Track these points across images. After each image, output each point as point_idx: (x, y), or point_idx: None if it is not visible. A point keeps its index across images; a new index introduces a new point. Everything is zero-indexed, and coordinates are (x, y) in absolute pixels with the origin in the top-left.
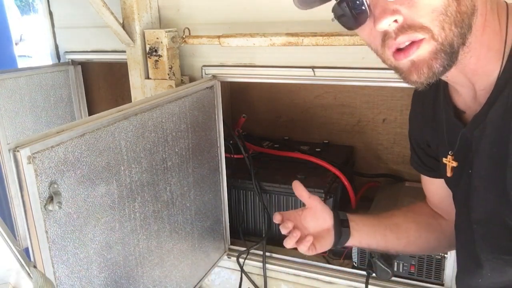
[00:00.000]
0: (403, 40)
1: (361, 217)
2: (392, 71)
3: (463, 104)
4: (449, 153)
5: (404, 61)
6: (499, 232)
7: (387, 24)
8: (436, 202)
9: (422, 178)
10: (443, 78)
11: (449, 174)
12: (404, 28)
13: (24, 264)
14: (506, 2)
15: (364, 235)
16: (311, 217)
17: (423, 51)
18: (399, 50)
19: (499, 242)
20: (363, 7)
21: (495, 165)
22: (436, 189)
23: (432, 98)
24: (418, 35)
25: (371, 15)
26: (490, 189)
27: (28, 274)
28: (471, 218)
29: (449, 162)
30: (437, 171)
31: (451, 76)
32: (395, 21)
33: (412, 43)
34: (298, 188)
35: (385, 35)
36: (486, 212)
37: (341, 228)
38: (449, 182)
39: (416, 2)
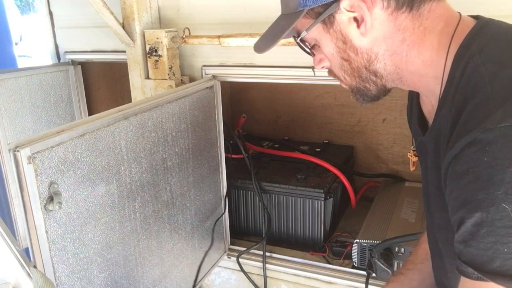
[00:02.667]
0: (333, 78)
1: (405, 281)
2: None
3: (426, 111)
4: (412, 148)
5: None
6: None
7: (319, 68)
8: None
9: None
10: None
11: (411, 168)
12: (329, 71)
13: (24, 264)
14: (459, 15)
15: None
16: None
17: (345, 87)
18: None
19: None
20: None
21: (435, 179)
22: None
23: (412, 97)
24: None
25: None
26: (437, 197)
27: (28, 274)
28: (433, 223)
29: (412, 157)
30: None
31: (407, 88)
32: (323, 67)
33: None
34: None
35: None
36: (443, 218)
37: None
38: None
39: (328, 61)
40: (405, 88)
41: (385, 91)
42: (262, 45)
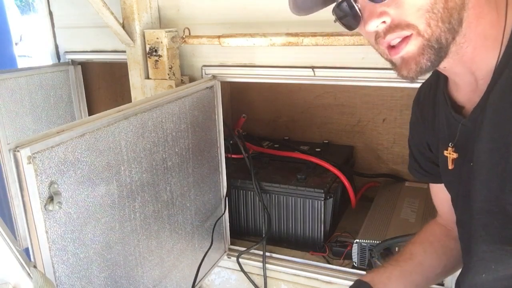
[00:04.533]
0: (391, 38)
1: (385, 274)
2: (392, 72)
3: (463, 98)
4: (449, 145)
5: (396, 57)
6: (501, 221)
7: (374, 26)
8: (447, 211)
9: (432, 188)
10: (443, 71)
11: (450, 166)
12: (391, 27)
13: (24, 264)
14: None
15: None
16: None
17: (411, 47)
18: (392, 46)
19: (501, 231)
20: (355, 11)
21: (497, 148)
22: (446, 196)
23: (431, 101)
24: (405, 33)
25: (362, 17)
26: (491, 174)
27: (28, 274)
28: (472, 209)
29: (450, 154)
30: (435, 175)
31: (450, 67)
32: (384, 22)
33: (402, 39)
34: None
35: (376, 34)
36: (487, 200)
37: None
38: (450, 176)
39: (402, 3)
40: (449, 64)
41: (443, 58)
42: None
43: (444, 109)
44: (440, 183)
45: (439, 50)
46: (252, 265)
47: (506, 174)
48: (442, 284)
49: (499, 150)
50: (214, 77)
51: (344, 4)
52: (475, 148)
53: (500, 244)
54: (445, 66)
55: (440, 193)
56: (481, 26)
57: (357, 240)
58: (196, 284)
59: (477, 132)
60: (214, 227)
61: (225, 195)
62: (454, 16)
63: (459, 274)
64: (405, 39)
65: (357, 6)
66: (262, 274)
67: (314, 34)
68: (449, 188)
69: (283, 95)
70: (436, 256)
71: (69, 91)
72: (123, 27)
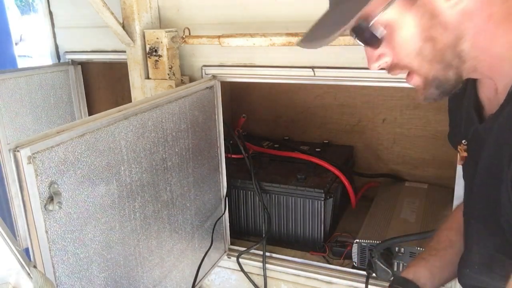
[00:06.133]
0: (394, 74)
1: (426, 267)
2: None
3: (486, 97)
4: (463, 142)
5: (409, 84)
6: (492, 228)
7: (375, 67)
8: None
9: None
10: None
11: (459, 162)
12: (392, 66)
13: (24, 264)
14: None
15: (438, 284)
16: None
17: (415, 81)
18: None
19: (492, 238)
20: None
21: (491, 174)
22: None
23: (462, 89)
24: (405, 71)
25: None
26: (485, 191)
27: (28, 274)
28: (468, 212)
29: (461, 151)
30: None
31: (470, 75)
32: (385, 62)
33: (407, 73)
34: None
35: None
36: (482, 209)
37: None
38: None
39: (394, 47)
40: (474, 76)
41: (459, 82)
42: (316, 38)
43: (468, 101)
44: None
45: (443, 84)
46: (252, 265)
47: (497, 203)
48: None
49: (494, 178)
50: (214, 77)
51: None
52: (481, 158)
53: (489, 249)
54: (467, 78)
55: None
56: (497, 48)
57: (357, 240)
58: (196, 284)
59: (485, 142)
60: (214, 227)
61: (225, 195)
62: (448, 54)
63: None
64: (409, 74)
65: (360, 44)
66: (262, 274)
67: None
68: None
69: (283, 95)
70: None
71: (69, 91)
72: (123, 27)
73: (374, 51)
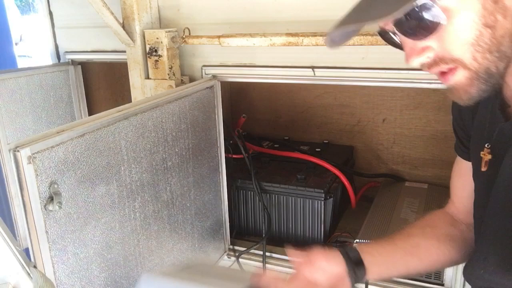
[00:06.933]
0: (435, 71)
1: (375, 247)
2: (392, 71)
3: (510, 96)
4: (486, 145)
5: (447, 84)
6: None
7: (417, 63)
8: (464, 196)
9: (458, 170)
10: None
11: (483, 168)
12: (436, 61)
13: (24, 264)
14: None
15: (383, 267)
16: (319, 273)
17: (459, 77)
18: (442, 72)
19: (509, 239)
20: (395, 42)
21: None
22: (469, 181)
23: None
24: (450, 66)
25: (404, 49)
26: (511, 188)
27: (28, 274)
28: (487, 211)
29: (485, 156)
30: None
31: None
32: (427, 57)
33: (449, 69)
34: (292, 254)
35: (421, 65)
36: (504, 207)
37: (355, 269)
38: (481, 177)
39: (445, 37)
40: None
41: (498, 81)
42: (372, 17)
43: (491, 102)
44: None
45: (490, 79)
46: (252, 265)
47: None
48: (442, 284)
49: None
50: (214, 77)
51: (385, 38)
52: (508, 152)
53: (507, 250)
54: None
55: (464, 176)
56: None
57: (357, 240)
58: None
59: (508, 142)
60: (214, 227)
61: (225, 195)
62: (505, 43)
63: (467, 261)
64: (451, 70)
65: (397, 38)
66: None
67: (314, 34)
68: (477, 189)
69: (283, 95)
70: (436, 243)
71: (69, 91)
72: (123, 27)
73: (417, 43)
